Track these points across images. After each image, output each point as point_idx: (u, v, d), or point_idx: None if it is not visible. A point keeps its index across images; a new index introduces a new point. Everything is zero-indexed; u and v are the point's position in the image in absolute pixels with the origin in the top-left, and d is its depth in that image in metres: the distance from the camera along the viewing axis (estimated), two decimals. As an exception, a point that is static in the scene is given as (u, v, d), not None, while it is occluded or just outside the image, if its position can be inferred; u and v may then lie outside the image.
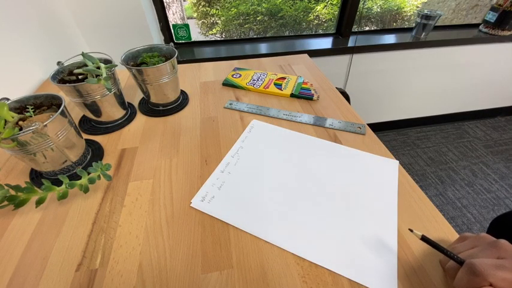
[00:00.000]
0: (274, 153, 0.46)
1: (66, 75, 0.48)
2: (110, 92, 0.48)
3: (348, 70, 1.29)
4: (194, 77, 0.69)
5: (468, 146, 1.56)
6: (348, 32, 1.25)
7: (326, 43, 1.23)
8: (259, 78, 0.66)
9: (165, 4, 1.04)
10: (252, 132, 0.51)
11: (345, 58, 1.24)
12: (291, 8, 1.31)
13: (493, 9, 1.27)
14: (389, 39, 1.27)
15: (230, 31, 1.35)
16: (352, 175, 0.42)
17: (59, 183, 0.36)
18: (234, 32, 1.36)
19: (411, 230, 0.30)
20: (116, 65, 0.48)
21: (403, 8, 1.43)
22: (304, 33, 1.37)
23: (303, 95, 0.60)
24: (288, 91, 0.61)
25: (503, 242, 0.25)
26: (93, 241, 0.34)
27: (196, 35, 1.32)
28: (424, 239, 0.29)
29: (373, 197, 0.39)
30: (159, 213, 0.37)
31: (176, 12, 1.22)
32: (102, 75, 0.43)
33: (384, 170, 0.43)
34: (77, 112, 0.55)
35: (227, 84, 0.65)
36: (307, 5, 1.32)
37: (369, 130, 0.51)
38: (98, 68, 0.45)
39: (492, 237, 0.27)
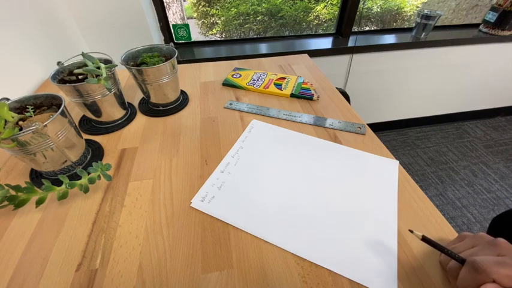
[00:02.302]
0: (274, 153, 0.46)
1: (66, 75, 0.48)
2: (110, 92, 0.48)
3: (348, 70, 1.29)
4: (194, 77, 0.69)
5: (468, 146, 1.56)
6: (348, 32, 1.25)
7: (326, 43, 1.23)
8: (259, 78, 0.66)
9: (165, 4, 1.04)
10: (252, 132, 0.51)
11: (345, 58, 1.24)
12: (291, 8, 1.31)
13: (493, 9, 1.27)
14: (389, 39, 1.26)
15: (230, 31, 1.35)
16: (352, 175, 0.42)
17: (59, 183, 0.36)
18: (234, 32, 1.36)
19: (411, 231, 0.30)
20: (116, 65, 0.48)
21: (403, 8, 1.43)
22: (304, 33, 1.37)
23: (303, 95, 0.60)
24: (288, 91, 0.61)
25: (502, 240, 0.26)
26: (93, 241, 0.34)
27: (196, 35, 1.33)
28: (424, 239, 0.29)
29: (373, 197, 0.39)
30: (159, 213, 0.37)
31: (176, 12, 1.22)
32: (102, 75, 0.43)
33: (384, 170, 0.43)
34: (77, 112, 0.55)
35: (227, 84, 0.65)
36: (307, 5, 1.32)
37: (368, 130, 0.51)
38: (98, 68, 0.44)
39: (490, 236, 0.28)
